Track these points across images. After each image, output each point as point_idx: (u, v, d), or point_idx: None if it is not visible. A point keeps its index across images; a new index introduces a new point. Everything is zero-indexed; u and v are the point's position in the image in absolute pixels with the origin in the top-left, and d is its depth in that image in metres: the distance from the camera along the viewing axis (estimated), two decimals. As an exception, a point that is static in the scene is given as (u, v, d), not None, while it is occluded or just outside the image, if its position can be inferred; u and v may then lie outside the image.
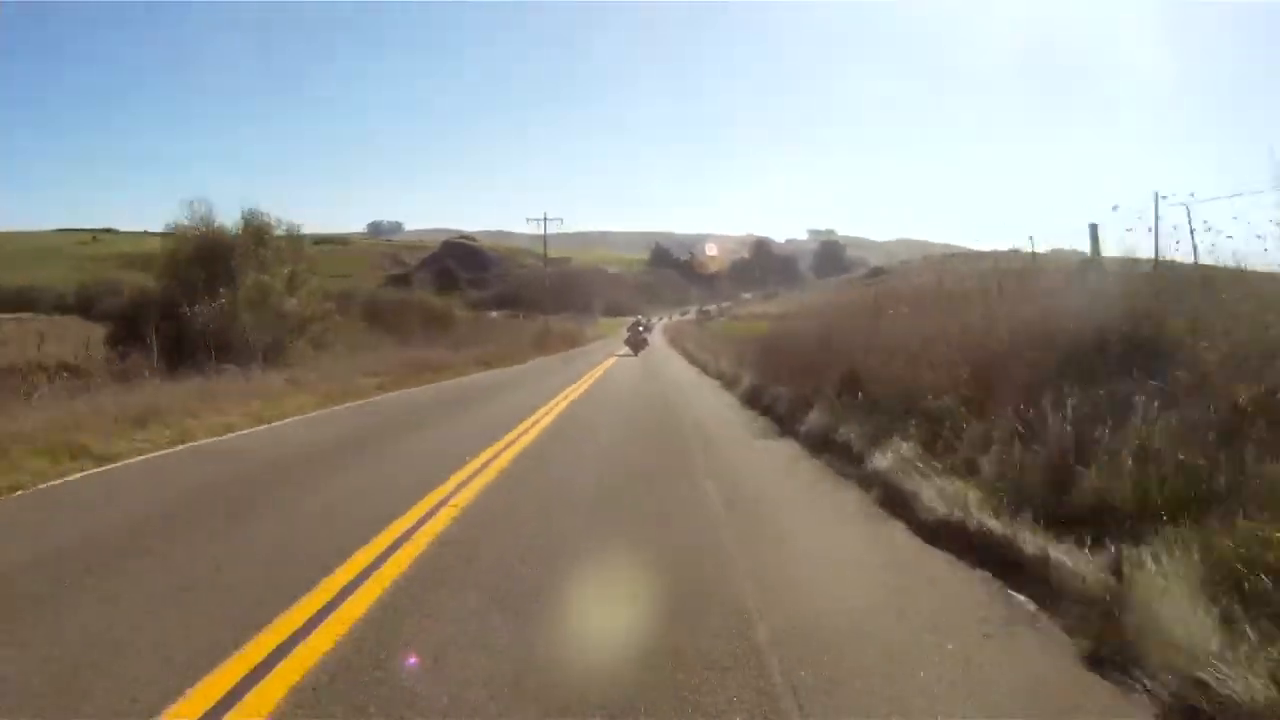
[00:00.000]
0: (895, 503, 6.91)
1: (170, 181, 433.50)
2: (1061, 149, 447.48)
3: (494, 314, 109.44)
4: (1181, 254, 8.02)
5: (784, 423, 12.69)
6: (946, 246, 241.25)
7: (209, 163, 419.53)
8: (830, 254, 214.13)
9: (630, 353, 42.48)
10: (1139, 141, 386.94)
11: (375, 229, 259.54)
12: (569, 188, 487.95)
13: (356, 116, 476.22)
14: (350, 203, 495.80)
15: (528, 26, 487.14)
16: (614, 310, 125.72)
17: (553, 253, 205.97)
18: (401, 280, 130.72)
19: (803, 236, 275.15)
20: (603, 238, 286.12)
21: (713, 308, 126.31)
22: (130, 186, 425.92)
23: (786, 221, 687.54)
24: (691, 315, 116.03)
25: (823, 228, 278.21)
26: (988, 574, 5.06)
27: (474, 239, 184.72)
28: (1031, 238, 12.28)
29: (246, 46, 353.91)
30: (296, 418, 14.87)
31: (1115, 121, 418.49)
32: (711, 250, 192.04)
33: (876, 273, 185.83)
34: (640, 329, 48.74)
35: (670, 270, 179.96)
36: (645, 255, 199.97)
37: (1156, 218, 8.15)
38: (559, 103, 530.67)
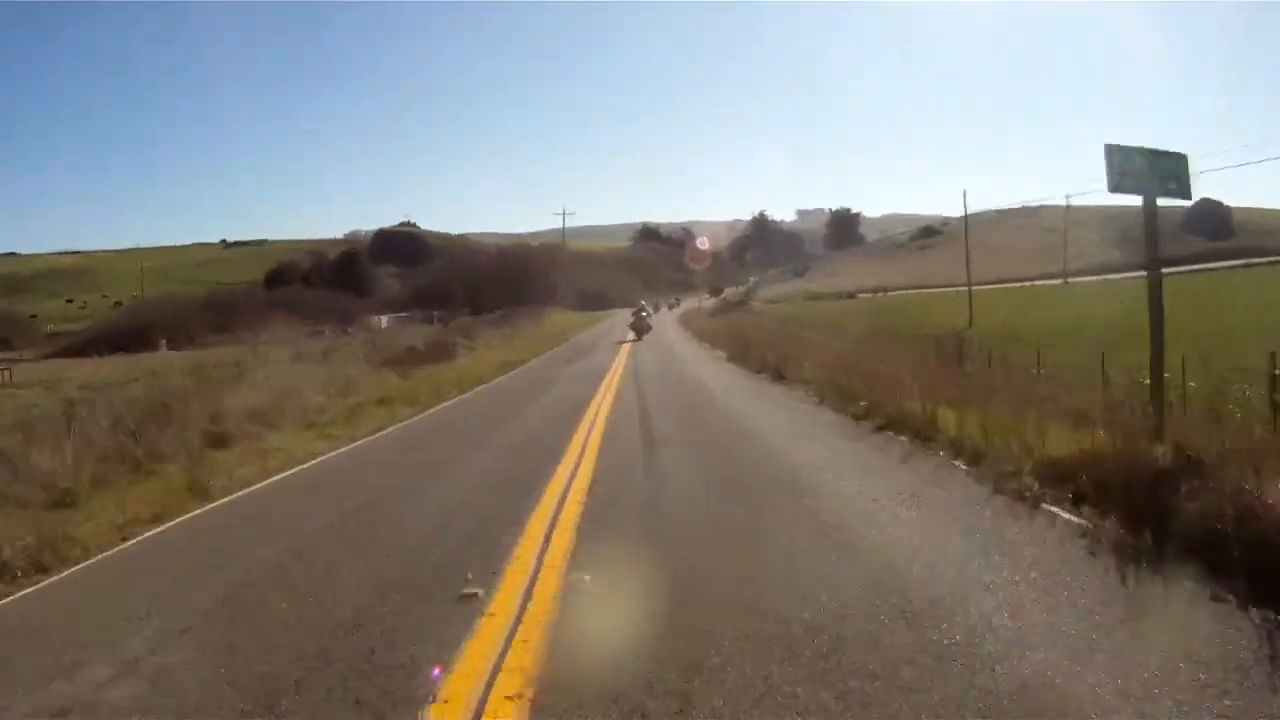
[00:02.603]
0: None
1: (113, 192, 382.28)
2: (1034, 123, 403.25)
3: (383, 320, 65.62)
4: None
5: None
6: (936, 217, 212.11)
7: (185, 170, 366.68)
8: (844, 226, 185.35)
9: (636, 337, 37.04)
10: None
11: (354, 236, 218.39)
12: (553, 186, 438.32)
13: (336, 117, 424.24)
14: (333, 212, 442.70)
15: (507, 28, 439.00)
16: (594, 301, 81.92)
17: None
18: (280, 279, 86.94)
19: (791, 218, 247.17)
20: (587, 230, 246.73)
21: (732, 290, 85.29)
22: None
23: (772, 206, 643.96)
24: (711, 300, 78.06)
25: (811, 207, 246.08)
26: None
27: (414, 226, 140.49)
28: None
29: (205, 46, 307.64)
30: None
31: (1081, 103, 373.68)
32: (704, 243, 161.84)
33: (928, 234, 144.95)
34: (644, 314, 41.71)
35: (664, 247, 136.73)
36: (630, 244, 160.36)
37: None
38: (543, 104, 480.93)
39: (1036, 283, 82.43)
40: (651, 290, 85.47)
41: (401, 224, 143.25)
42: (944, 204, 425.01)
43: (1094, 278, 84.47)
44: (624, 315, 65.06)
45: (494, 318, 48.23)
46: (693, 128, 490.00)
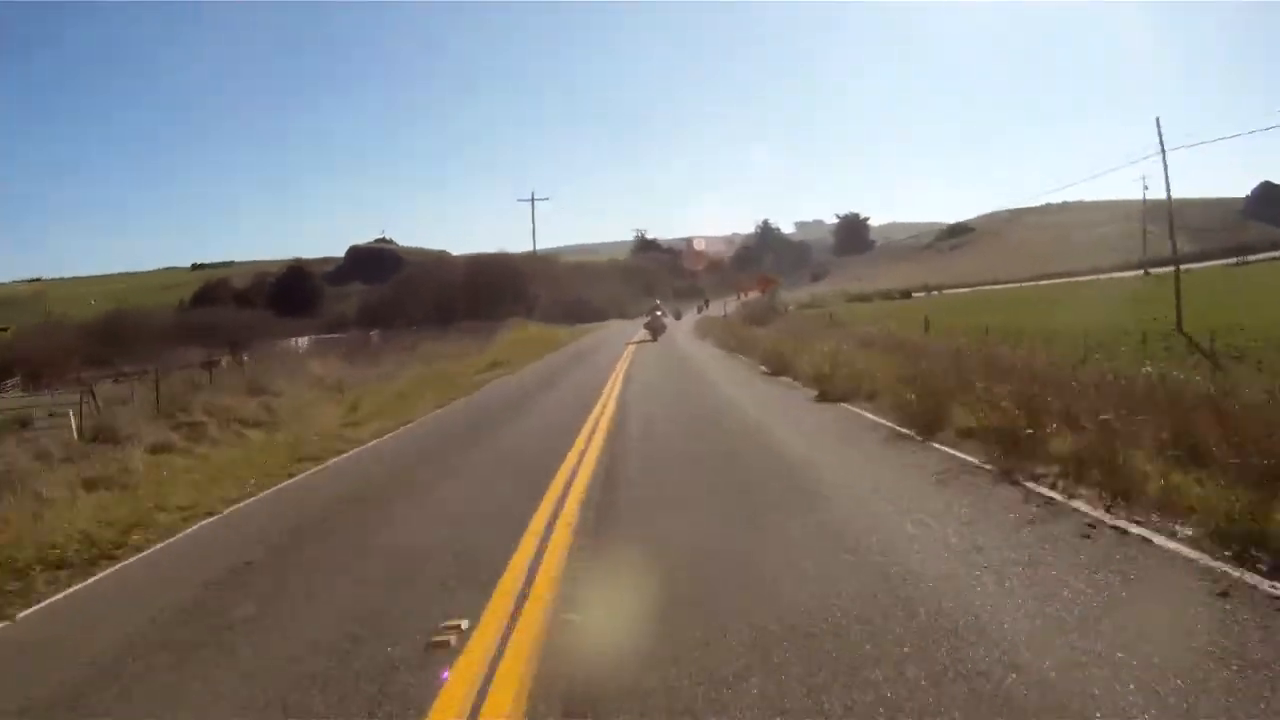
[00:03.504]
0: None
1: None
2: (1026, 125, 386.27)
3: (303, 342, 50.27)
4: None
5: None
6: (937, 225, 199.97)
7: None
8: (853, 232, 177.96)
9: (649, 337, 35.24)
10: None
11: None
12: (551, 202, 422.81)
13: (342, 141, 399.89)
14: (337, 228, 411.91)
15: (503, 46, 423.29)
16: (584, 312, 66.43)
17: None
18: (209, 298, 71.98)
19: (790, 229, 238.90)
20: (583, 249, 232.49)
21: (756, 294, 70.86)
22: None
23: (771, 217, 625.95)
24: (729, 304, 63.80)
25: (810, 219, 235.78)
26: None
27: (391, 242, 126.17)
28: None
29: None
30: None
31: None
32: (700, 244, 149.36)
33: (956, 233, 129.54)
34: (659, 314, 38.64)
35: (665, 256, 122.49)
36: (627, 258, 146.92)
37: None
38: (539, 125, 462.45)
39: (1114, 275, 67.39)
40: (655, 297, 70.23)
41: (377, 240, 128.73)
42: (945, 211, 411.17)
43: (1172, 268, 69.69)
44: (619, 328, 50.27)
45: (419, 336, 33.01)
46: (687, 143, 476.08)
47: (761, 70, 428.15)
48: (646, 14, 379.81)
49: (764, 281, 43.41)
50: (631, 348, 28.09)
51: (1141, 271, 70.08)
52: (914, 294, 56.43)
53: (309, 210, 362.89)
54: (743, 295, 70.61)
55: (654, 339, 33.84)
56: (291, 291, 73.21)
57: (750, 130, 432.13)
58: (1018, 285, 58.09)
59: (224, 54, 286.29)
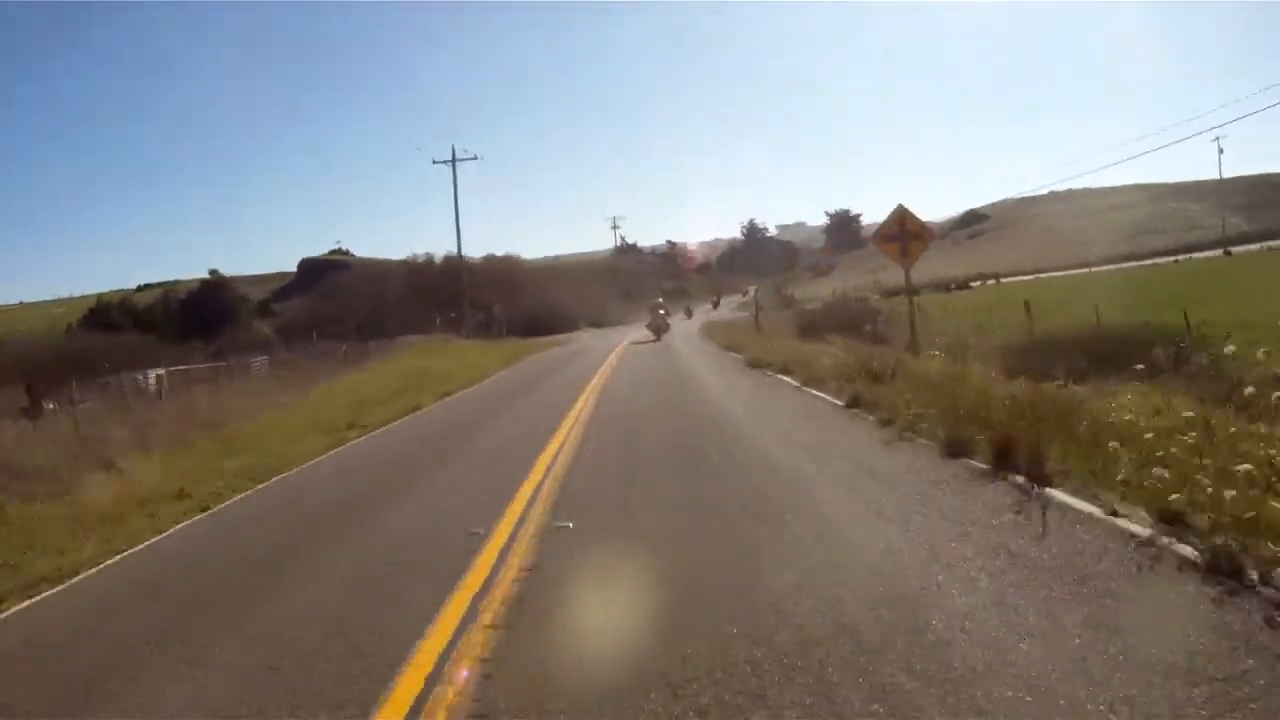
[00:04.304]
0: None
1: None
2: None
3: (149, 376, 37.33)
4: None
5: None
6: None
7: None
8: (847, 228, 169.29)
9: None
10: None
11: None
12: (516, 219, 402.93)
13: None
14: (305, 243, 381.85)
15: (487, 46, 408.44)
16: (547, 322, 53.40)
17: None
18: (104, 320, 58.91)
19: (772, 231, 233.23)
20: (556, 260, 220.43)
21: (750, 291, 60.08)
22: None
23: (755, 219, 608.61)
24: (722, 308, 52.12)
25: (791, 221, 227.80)
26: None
27: (346, 253, 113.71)
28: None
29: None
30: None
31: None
32: (693, 246, 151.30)
33: (971, 221, 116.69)
34: (661, 312, 39.19)
35: (651, 257, 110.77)
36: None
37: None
38: (507, 130, 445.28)
39: (1194, 256, 55.93)
40: (640, 300, 57.47)
41: (332, 252, 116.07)
42: (932, 208, 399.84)
43: (1254, 246, 58.17)
44: (589, 346, 36.94)
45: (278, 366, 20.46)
46: (667, 148, 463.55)
47: (742, 76, 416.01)
48: (617, 15, 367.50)
49: (907, 237, 14.05)
50: (595, 398, 14.77)
51: (1221, 252, 59.14)
52: (971, 284, 44.44)
53: (275, 223, 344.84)
54: (745, 294, 59.15)
55: (657, 339, 34.05)
56: (202, 309, 60.31)
57: (733, 134, 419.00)
58: (1108, 268, 46.52)
59: (183, 64, 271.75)
